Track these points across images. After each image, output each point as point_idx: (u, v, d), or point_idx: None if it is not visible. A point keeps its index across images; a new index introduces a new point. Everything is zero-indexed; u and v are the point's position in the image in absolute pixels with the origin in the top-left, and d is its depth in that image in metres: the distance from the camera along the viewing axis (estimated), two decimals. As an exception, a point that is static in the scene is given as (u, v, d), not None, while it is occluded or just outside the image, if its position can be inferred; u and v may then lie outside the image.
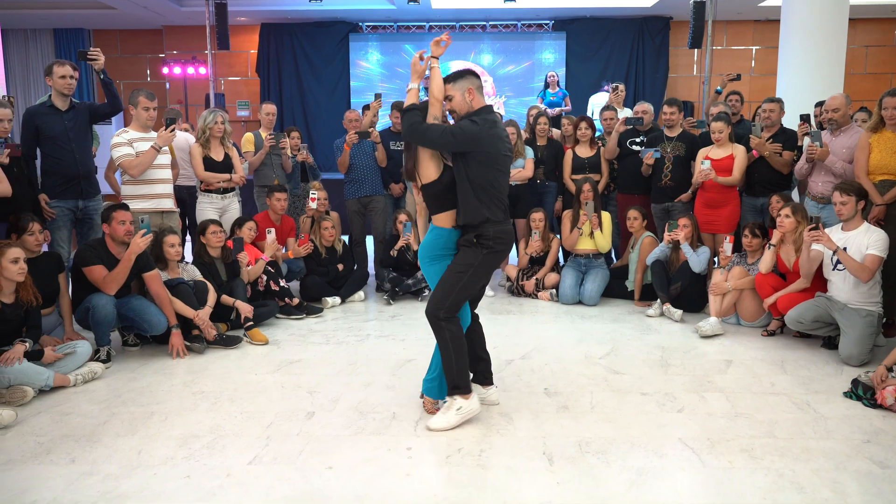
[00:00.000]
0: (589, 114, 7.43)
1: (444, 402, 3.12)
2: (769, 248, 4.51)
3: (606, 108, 6.16)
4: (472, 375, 3.22)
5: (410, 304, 5.44)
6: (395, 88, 11.67)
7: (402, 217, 5.56)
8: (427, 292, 5.53)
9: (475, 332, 3.23)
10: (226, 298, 4.49)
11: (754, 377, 3.69)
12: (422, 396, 3.24)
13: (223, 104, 10.90)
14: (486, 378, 3.28)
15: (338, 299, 5.37)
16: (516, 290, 5.64)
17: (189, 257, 5.04)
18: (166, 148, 4.66)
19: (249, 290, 4.82)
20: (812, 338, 4.32)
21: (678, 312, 4.80)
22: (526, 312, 5.15)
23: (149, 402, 3.36)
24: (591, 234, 5.45)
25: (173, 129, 4.58)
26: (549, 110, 8.96)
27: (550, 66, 11.44)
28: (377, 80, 11.82)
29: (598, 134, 6.36)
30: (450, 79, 2.98)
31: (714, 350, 4.19)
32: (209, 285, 4.40)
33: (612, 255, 6.06)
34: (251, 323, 4.43)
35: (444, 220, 3.03)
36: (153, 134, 4.65)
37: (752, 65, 11.77)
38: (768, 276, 4.47)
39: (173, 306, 4.09)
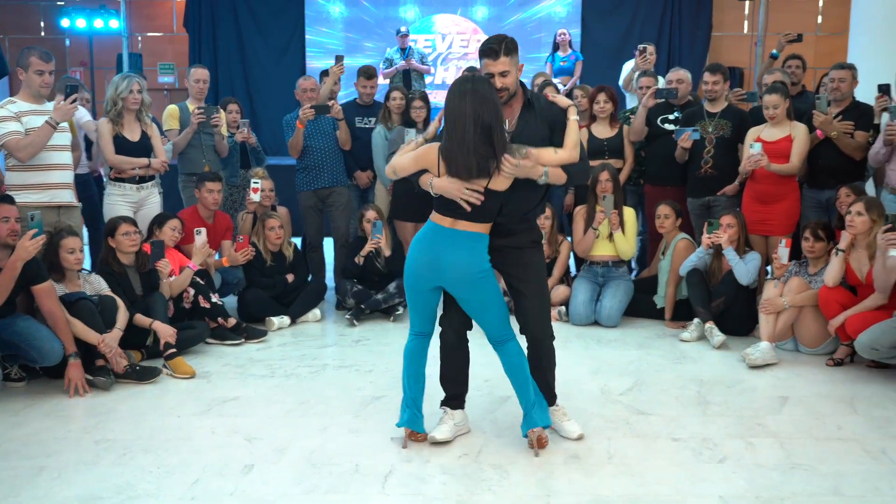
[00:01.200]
0: (624, 85, 7.44)
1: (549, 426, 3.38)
2: (836, 254, 4.55)
3: (645, 73, 6.19)
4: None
5: (380, 324, 5.44)
6: (363, 49, 11.69)
7: (371, 214, 5.57)
8: (402, 310, 5.54)
9: (463, 352, 3.48)
10: (141, 319, 4.47)
11: (816, 419, 3.71)
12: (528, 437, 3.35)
13: (140, 67, 10.85)
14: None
15: (287, 319, 5.37)
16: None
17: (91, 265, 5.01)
18: (66, 125, 4.63)
19: (172, 308, 4.79)
20: (890, 368, 4.36)
21: (721, 336, 4.82)
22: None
23: (37, 455, 3.32)
24: (611, 236, 5.48)
25: (75, 101, 4.56)
26: (557, 79, 9.00)
27: (561, 22, 11.49)
28: (340, 38, 11.82)
29: (628, 109, 6.39)
30: (511, 50, 3.21)
31: (765, 384, 4.21)
32: (119, 301, 4.38)
33: (635, 263, 6.10)
34: (173, 350, 4.40)
35: (482, 227, 3.23)
36: (49, 106, 4.62)
37: (819, 21, 11.89)
38: (835, 291, 4.52)
39: (71, 329, 4.06)
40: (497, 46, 3.20)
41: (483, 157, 3.06)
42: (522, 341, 3.41)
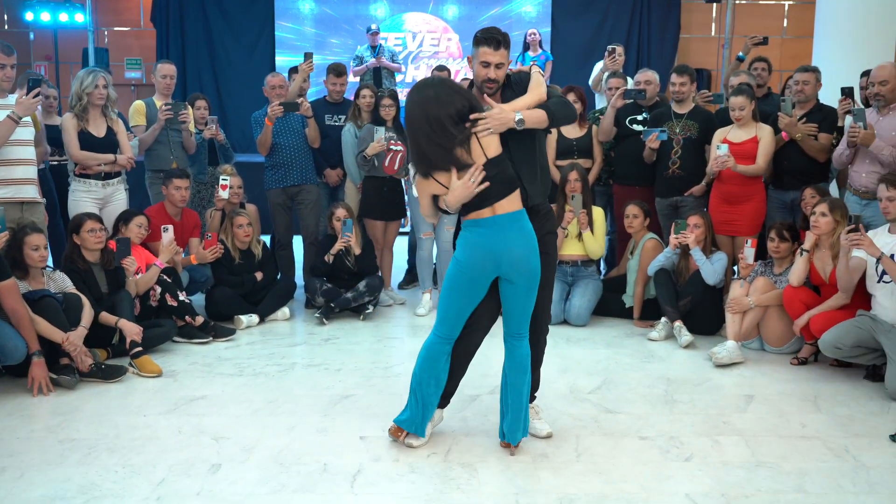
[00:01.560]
0: (594, 85, 7.49)
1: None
2: (801, 254, 4.62)
3: (614, 74, 6.22)
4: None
5: (349, 323, 5.43)
6: (332, 46, 11.63)
7: (341, 212, 5.56)
8: (371, 309, 5.53)
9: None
10: (106, 317, 4.43)
11: (781, 417, 3.77)
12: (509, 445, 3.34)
13: (107, 62, 10.70)
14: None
15: (255, 318, 5.35)
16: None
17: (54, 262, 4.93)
18: (29, 119, 4.57)
19: (138, 306, 4.77)
20: (853, 367, 4.43)
21: (688, 335, 4.87)
22: (496, 335, 5.09)
23: (1, 454, 3.27)
24: (580, 235, 5.50)
25: (38, 95, 4.50)
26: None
27: (531, 21, 11.54)
28: (310, 35, 11.76)
29: (597, 110, 6.42)
30: (508, 45, 3.22)
31: (732, 382, 4.26)
32: (84, 299, 4.34)
33: (604, 263, 6.14)
34: (139, 349, 4.37)
35: (516, 200, 3.17)
36: (11, 99, 4.55)
37: (784, 24, 12.06)
38: (799, 290, 4.58)
39: (35, 327, 4.01)
40: (500, 37, 3.19)
41: (451, 140, 3.03)
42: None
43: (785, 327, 4.68)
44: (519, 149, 3.22)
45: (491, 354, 4.64)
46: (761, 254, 5.15)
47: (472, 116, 3.06)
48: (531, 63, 9.60)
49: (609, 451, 3.35)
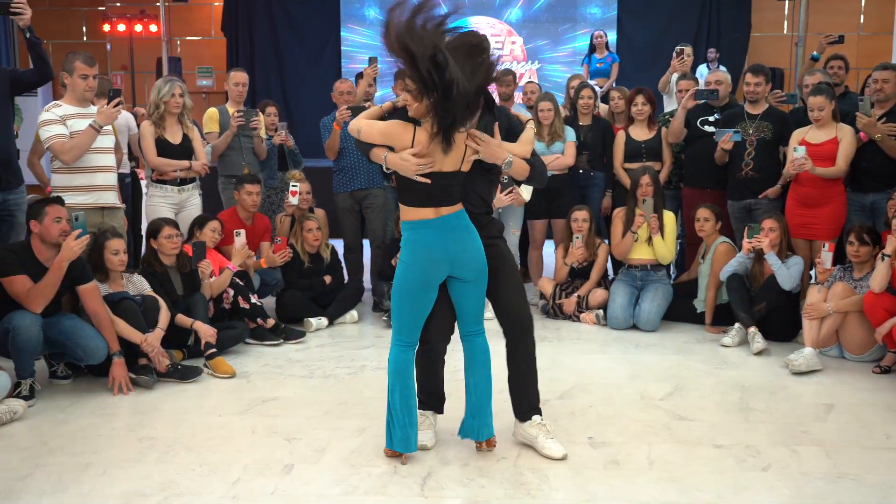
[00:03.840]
0: (661, 87, 7.42)
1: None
2: (882, 259, 4.48)
3: (683, 76, 6.17)
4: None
5: (417, 327, 5.43)
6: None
7: (407, 216, 5.57)
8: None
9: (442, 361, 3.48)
10: (182, 319, 4.51)
11: (863, 427, 3.66)
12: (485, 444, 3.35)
13: (180, 71, 10.99)
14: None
15: (324, 321, 5.40)
16: (552, 311, 5.65)
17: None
18: (109, 127, 4.71)
19: (212, 309, 4.84)
20: (938, 376, 4.29)
21: (762, 342, 4.77)
22: (565, 339, 5.14)
23: (83, 451, 3.37)
24: (650, 239, 5.45)
25: (118, 104, 4.62)
26: (593, 81, 8.95)
27: (598, 23, 11.43)
28: (375, 40, 11.86)
29: (666, 112, 6.35)
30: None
31: (810, 391, 4.16)
32: (161, 302, 4.42)
33: (674, 267, 6.04)
34: (214, 350, 4.45)
35: (458, 204, 3.22)
36: (92, 109, 4.69)
37: (861, 21, 11.69)
38: (881, 297, 4.44)
39: (115, 328, 4.11)
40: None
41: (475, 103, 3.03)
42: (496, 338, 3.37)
43: (865, 334, 4.54)
44: (483, 182, 3.29)
45: (558, 359, 4.65)
46: (839, 258, 5.00)
47: (471, 133, 3.10)
48: (584, 66, 9.56)
49: (682, 459, 3.30)
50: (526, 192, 5.44)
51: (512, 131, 3.31)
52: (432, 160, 3.07)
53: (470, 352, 3.32)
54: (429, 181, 3.07)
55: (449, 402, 3.53)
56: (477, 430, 3.32)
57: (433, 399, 3.48)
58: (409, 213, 3.15)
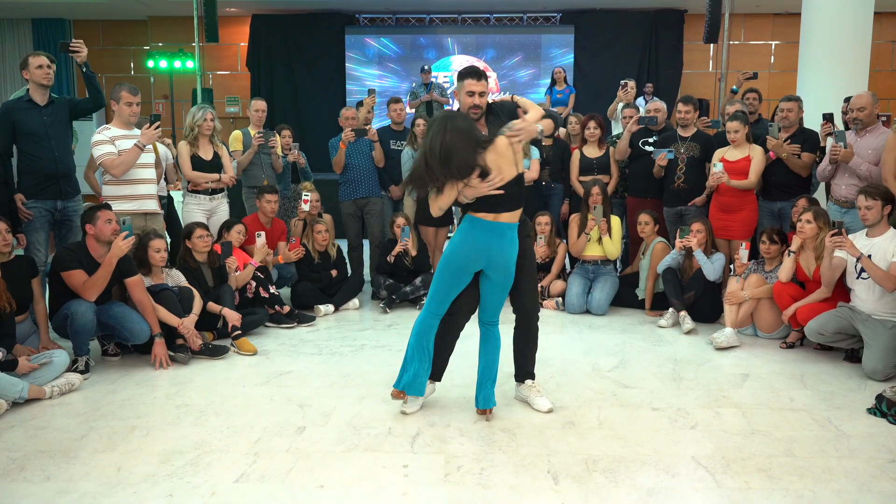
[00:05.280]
0: (610, 114, 7.44)
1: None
2: (788, 255, 4.51)
3: (627, 105, 6.19)
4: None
5: (408, 312, 5.44)
6: (392, 83, 11.70)
7: (400, 221, 5.57)
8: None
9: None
10: (212, 306, 4.49)
11: (772, 392, 3.69)
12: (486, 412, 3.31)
13: (211, 100, 10.91)
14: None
15: (331, 307, 5.38)
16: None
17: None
18: (150, 146, 4.67)
19: (237, 298, 4.82)
20: (834, 350, 4.32)
21: (691, 323, 4.80)
22: (556, 331, 5.13)
23: (129, 416, 3.36)
24: (600, 239, 5.46)
25: (158, 127, 4.59)
26: (554, 108, 8.96)
27: (558, 61, 11.46)
28: (375, 75, 11.85)
29: (614, 134, 6.37)
30: (486, 77, 3.25)
31: (729, 363, 4.19)
32: (195, 292, 4.40)
33: (620, 262, 6.06)
34: (239, 332, 4.43)
35: (516, 214, 3.19)
36: (136, 131, 4.66)
37: (772, 60, 11.79)
38: (787, 285, 4.47)
39: (156, 314, 4.09)
40: (480, 70, 3.24)
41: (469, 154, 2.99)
42: (507, 325, 3.37)
43: (775, 316, 4.57)
44: (522, 182, 3.23)
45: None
46: (754, 254, 5.05)
47: (514, 126, 3.04)
48: (546, 96, 9.60)
49: (626, 420, 3.31)
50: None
51: (514, 113, 3.27)
52: (500, 174, 3.02)
53: (485, 337, 3.32)
54: (502, 191, 3.03)
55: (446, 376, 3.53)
56: (483, 399, 3.31)
57: (438, 368, 3.42)
58: (477, 210, 3.09)
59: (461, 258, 3.13)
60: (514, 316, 3.41)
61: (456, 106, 3.35)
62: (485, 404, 3.31)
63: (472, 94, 3.18)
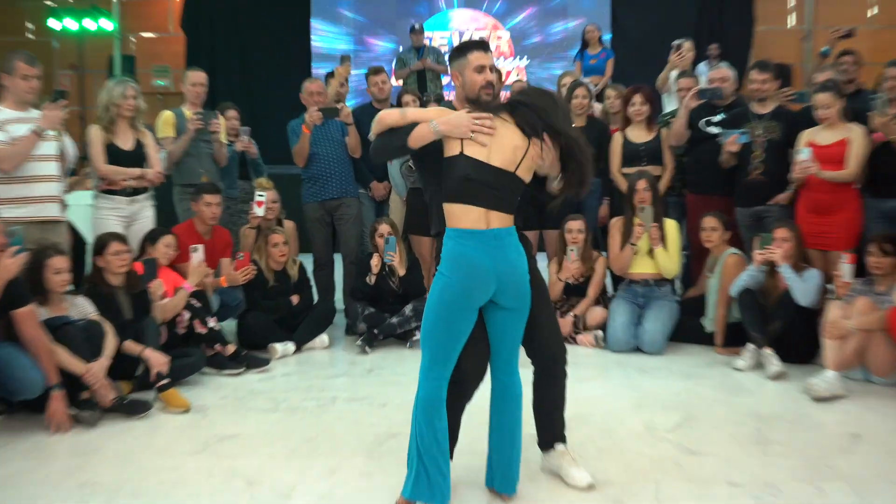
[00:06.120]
0: (660, 85, 7.40)
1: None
2: (908, 270, 4.46)
3: (684, 73, 6.23)
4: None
5: (395, 351, 5.40)
6: (372, 48, 11.70)
7: (384, 228, 5.56)
8: (419, 335, 5.45)
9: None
10: (131, 346, 4.43)
11: (894, 460, 3.60)
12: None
13: (134, 71, 10.90)
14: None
15: (291, 346, 5.35)
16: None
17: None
18: (52, 133, 4.65)
19: (165, 334, 4.78)
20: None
21: (779, 364, 4.74)
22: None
23: (14, 499, 3.26)
24: (651, 252, 5.45)
25: (64, 107, 4.59)
26: (586, 79, 8.94)
27: (590, 16, 11.45)
28: (349, 38, 11.85)
29: (667, 112, 6.36)
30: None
31: (833, 420, 4.12)
32: (107, 326, 4.36)
33: (680, 282, 6.04)
34: (166, 381, 4.37)
35: (509, 218, 3.15)
36: (35, 113, 4.65)
37: (874, 13, 11.77)
38: (909, 312, 4.41)
39: (54, 357, 4.02)
40: (485, 40, 3.30)
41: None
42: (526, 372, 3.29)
43: (893, 354, 4.50)
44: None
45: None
46: (860, 270, 4.96)
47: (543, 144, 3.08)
48: (576, 62, 9.60)
49: (694, 499, 3.23)
50: None
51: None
52: (491, 119, 3.02)
53: (501, 393, 3.20)
54: (485, 144, 3.01)
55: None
56: (502, 480, 3.20)
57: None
58: (454, 218, 3.04)
59: (460, 288, 3.00)
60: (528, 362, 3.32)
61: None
62: (504, 487, 3.19)
63: (482, 68, 3.17)
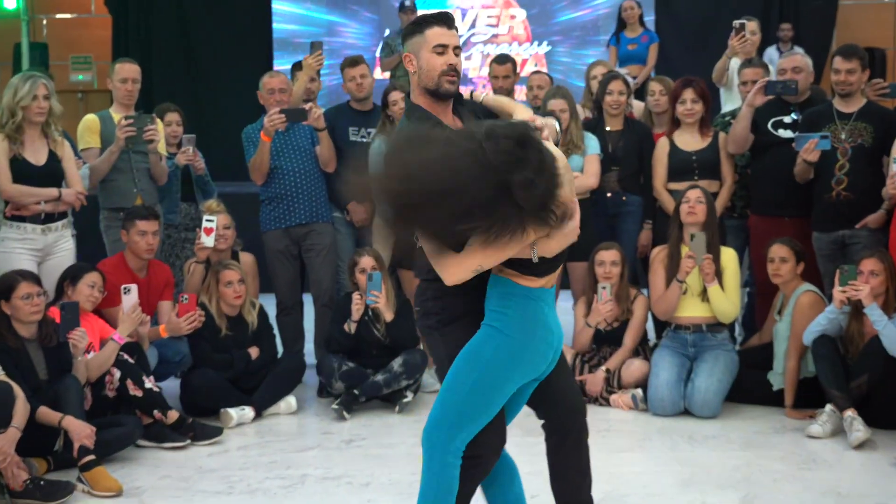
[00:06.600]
0: (718, 78, 7.45)
1: None
2: None
3: (748, 63, 6.24)
4: None
5: (380, 417, 5.42)
6: (351, 32, 11.83)
7: (367, 262, 5.59)
8: (410, 396, 5.56)
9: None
10: (46, 413, 4.44)
11: None
12: None
13: (47, 63, 10.97)
14: None
15: (249, 412, 5.37)
16: (572, 392, 5.63)
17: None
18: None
19: (90, 398, 4.79)
20: None
21: (865, 430, 4.77)
22: (590, 432, 5.07)
23: None
24: (704, 290, 5.48)
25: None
26: (624, 69, 9.03)
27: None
28: (317, 22, 11.96)
29: (726, 112, 6.40)
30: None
31: (932, 498, 4.16)
32: (16, 390, 4.33)
33: (740, 327, 6.07)
34: (92, 457, 4.37)
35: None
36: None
37: None
38: None
39: (-50, 429, 4.05)
40: (449, 13, 3.31)
41: None
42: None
43: None
44: None
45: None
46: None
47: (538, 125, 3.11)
48: (610, 48, 9.64)
49: None
50: None
51: (489, 114, 3.36)
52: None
53: (508, 475, 3.32)
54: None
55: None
56: None
57: None
58: (514, 275, 3.06)
59: (527, 354, 3.07)
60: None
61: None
62: None
63: (443, 48, 3.22)
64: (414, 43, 3.24)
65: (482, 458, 3.17)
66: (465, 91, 3.62)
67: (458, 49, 3.24)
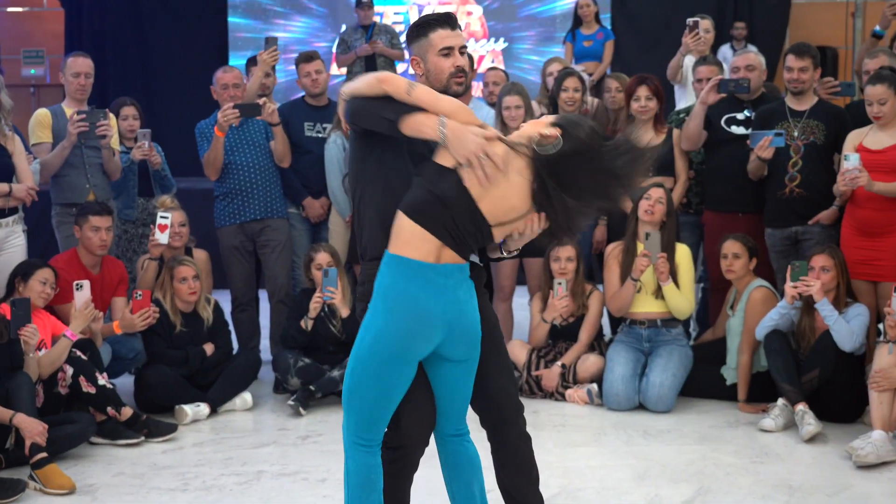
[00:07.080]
0: (672, 75, 7.49)
1: None
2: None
3: (702, 60, 6.28)
4: None
5: (337, 413, 5.36)
6: (305, 26, 11.80)
7: (323, 258, 5.60)
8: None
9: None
10: (-3, 410, 4.44)
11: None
12: None
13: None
14: None
15: (205, 408, 5.36)
16: (528, 387, 5.66)
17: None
18: None
19: (42, 395, 4.77)
20: None
21: (816, 423, 4.81)
22: (545, 426, 5.15)
23: None
24: (659, 287, 5.51)
25: None
26: (579, 66, 9.06)
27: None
28: (277, 10, 11.92)
29: (680, 109, 6.45)
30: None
31: (881, 490, 4.19)
32: None
33: (694, 322, 6.14)
34: (44, 455, 4.35)
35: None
36: None
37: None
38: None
39: None
40: (453, 14, 3.30)
41: None
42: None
43: (955, 411, 4.60)
44: None
45: (537, 453, 4.64)
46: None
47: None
48: (565, 44, 9.64)
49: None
50: None
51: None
52: (502, 164, 3.00)
53: (454, 459, 3.26)
54: (490, 171, 2.99)
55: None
56: None
57: None
58: (401, 240, 3.02)
59: (398, 336, 3.02)
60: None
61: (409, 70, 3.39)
62: None
63: (449, 51, 3.23)
64: (419, 46, 3.25)
65: (404, 448, 3.21)
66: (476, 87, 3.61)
67: (463, 48, 3.26)
